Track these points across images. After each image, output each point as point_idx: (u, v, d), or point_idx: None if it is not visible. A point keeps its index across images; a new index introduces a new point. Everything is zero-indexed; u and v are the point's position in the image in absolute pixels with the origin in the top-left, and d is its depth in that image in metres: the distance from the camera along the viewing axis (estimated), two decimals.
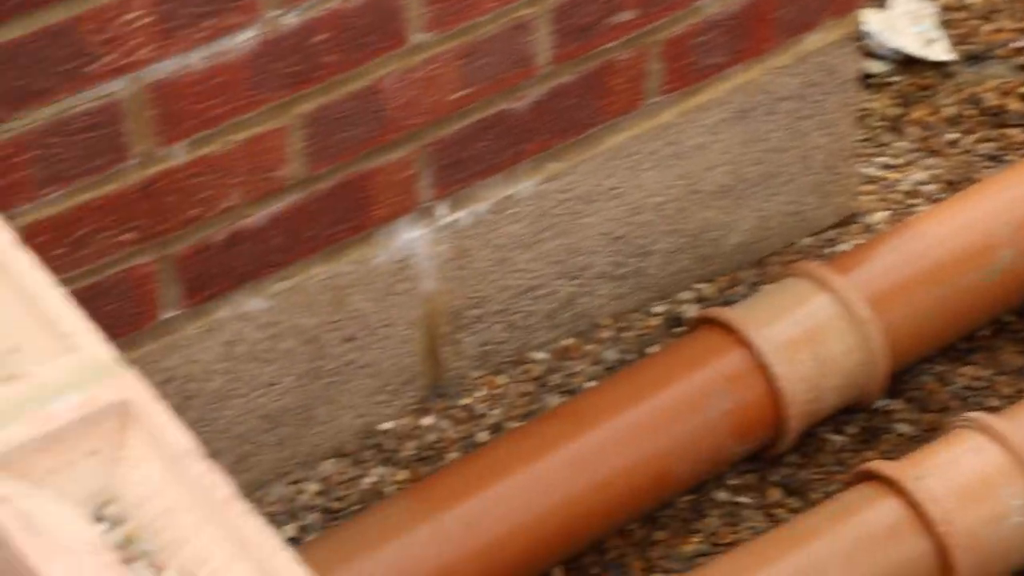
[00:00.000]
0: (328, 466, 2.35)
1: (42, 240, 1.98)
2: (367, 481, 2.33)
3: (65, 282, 1.32)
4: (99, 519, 1.19)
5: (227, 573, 1.15)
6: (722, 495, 2.34)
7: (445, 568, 2.10)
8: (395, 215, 2.24)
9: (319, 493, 2.32)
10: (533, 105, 2.26)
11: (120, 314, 2.08)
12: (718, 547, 2.28)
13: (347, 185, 2.18)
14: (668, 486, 2.25)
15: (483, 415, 2.40)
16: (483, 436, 2.38)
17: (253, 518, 1.16)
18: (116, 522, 1.19)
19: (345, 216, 2.20)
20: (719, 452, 2.27)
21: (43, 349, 1.24)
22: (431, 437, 2.37)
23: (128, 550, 1.18)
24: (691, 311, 2.51)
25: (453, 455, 2.35)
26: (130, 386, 1.23)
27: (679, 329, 2.49)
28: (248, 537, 1.16)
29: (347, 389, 2.33)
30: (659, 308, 2.52)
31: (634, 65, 2.31)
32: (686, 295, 2.53)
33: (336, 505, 2.31)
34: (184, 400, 2.20)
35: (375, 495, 2.31)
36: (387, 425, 2.38)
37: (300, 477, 2.33)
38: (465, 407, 2.40)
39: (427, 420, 2.39)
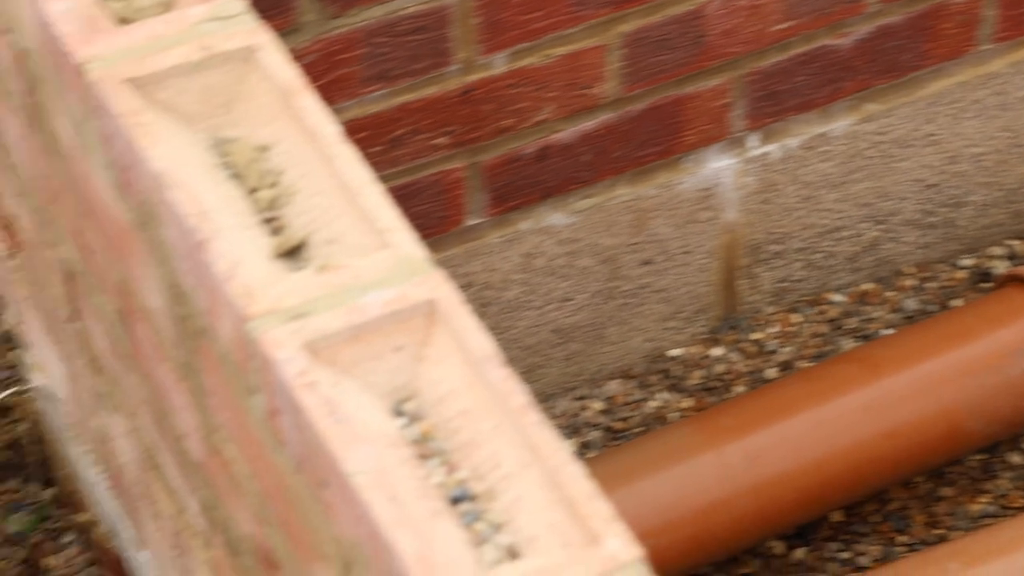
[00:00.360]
0: (614, 386, 2.36)
1: (361, 137, 2.02)
2: (651, 405, 2.34)
3: (380, 180, 1.34)
4: (398, 413, 1.22)
5: (517, 479, 1.16)
6: (1016, 458, 2.28)
7: (725, 498, 2.10)
8: (705, 143, 2.22)
9: (603, 412, 2.34)
10: (856, 43, 2.22)
11: (427, 216, 2.12)
12: (1007, 510, 2.23)
13: (659, 108, 2.17)
14: (959, 442, 2.20)
15: (774, 351, 2.38)
16: (772, 372, 2.36)
17: (547, 428, 1.17)
18: (414, 418, 1.21)
19: (654, 139, 2.20)
20: (1016, 413, 2.21)
21: (359, 243, 1.27)
22: (719, 368, 2.36)
23: (423, 446, 1.20)
24: (1001, 267, 2.44)
25: (740, 388, 2.34)
26: (439, 287, 1.25)
27: (986, 285, 2.43)
28: (540, 446, 1.17)
29: (639, 312, 2.34)
30: (967, 261, 2.45)
31: (967, 10, 2.24)
32: (997, 251, 2.46)
33: (618, 425, 2.32)
34: (480, 307, 2.23)
35: (658, 420, 2.32)
36: (676, 352, 2.38)
37: (585, 394, 2.35)
38: (756, 342, 2.39)
39: (716, 351, 2.38)
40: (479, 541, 1.13)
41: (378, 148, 2.05)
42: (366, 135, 2.03)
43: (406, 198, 2.09)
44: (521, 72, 2.07)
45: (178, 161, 1.29)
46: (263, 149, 1.32)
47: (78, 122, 1.42)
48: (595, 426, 2.32)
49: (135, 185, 1.35)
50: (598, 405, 2.34)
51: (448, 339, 1.23)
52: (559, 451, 1.16)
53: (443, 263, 2.14)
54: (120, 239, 1.45)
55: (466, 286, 2.20)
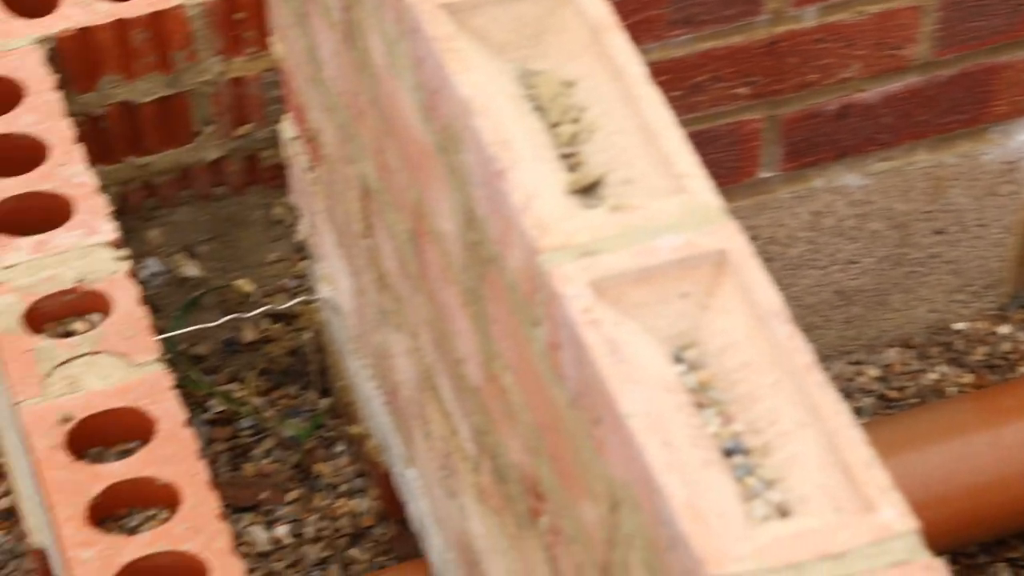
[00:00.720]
0: (892, 354, 2.32)
1: (662, 80, 2.01)
2: (929, 377, 2.29)
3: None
4: (678, 360, 1.21)
5: (794, 438, 1.15)
6: None
7: (1001, 480, 2.05)
8: (1014, 115, 2.16)
9: (878, 379, 2.30)
10: None
11: (720, 165, 2.11)
12: None
13: (970, 75, 2.12)
14: None
15: None
16: None
17: (829, 389, 1.16)
18: (693, 366, 1.21)
19: (961, 107, 2.14)
20: None
21: (655, 185, 1.27)
22: (1005, 346, 2.30)
23: (700, 395, 1.19)
24: None
25: None
26: (731, 237, 1.24)
27: None
28: (821, 407, 1.15)
29: (926, 282, 2.29)
30: None
31: None
32: None
33: (893, 394, 2.28)
34: (763, 261, 2.21)
35: (934, 393, 2.27)
36: (960, 325, 2.33)
37: (862, 359, 2.32)
38: None
39: (1004, 328, 2.32)
40: (749, 496, 1.12)
41: (678, 93, 2.04)
42: (667, 79, 2.02)
43: (701, 145, 2.07)
44: (831, 27, 2.03)
45: (485, 89, 1.30)
46: (568, 84, 1.32)
47: (391, 42, 1.45)
48: (869, 392, 2.29)
49: (440, 109, 1.36)
50: (874, 372, 2.31)
51: (735, 290, 1.22)
52: (840, 414, 1.14)
53: (730, 214, 2.12)
54: (419, 161, 1.47)
55: (751, 239, 2.18)
